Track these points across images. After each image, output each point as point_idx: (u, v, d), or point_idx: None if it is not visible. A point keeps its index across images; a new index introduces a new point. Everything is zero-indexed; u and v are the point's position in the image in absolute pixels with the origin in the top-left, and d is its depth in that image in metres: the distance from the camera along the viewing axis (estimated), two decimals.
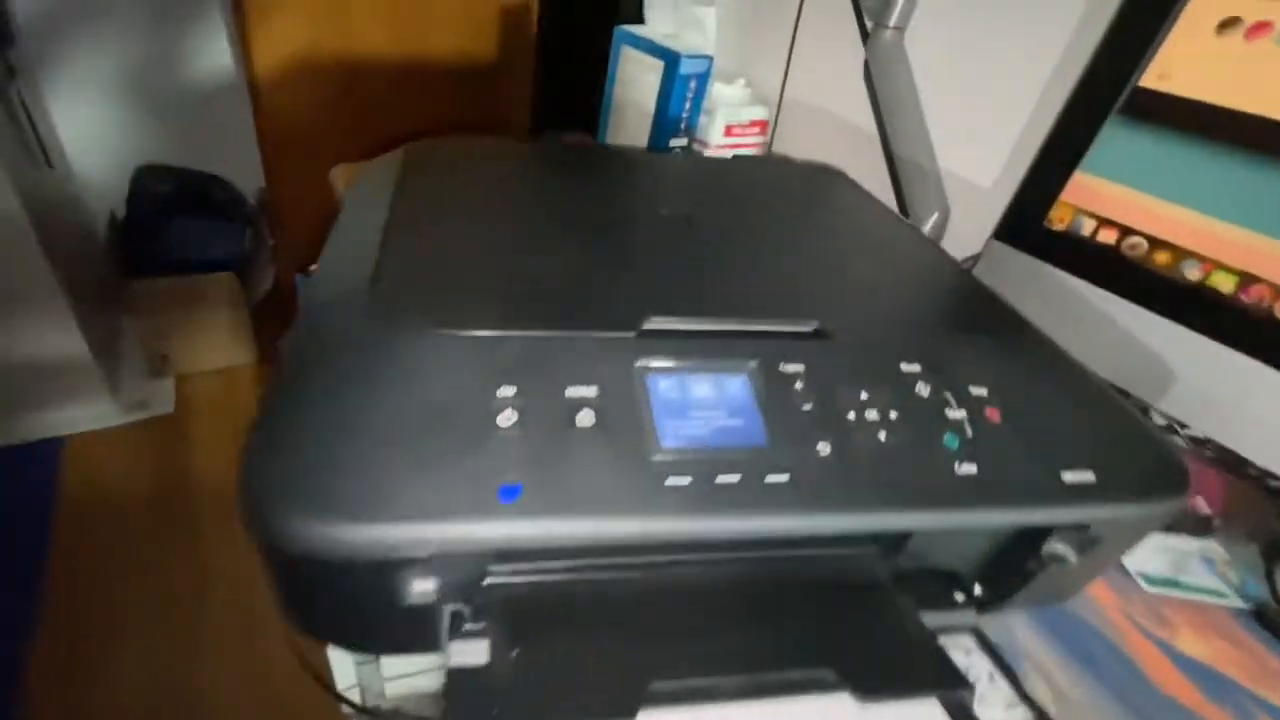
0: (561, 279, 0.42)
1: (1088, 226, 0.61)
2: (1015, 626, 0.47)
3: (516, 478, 0.32)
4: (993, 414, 0.41)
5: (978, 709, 0.37)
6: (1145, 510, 0.39)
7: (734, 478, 0.35)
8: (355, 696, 0.52)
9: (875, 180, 0.77)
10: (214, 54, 1.72)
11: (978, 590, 0.43)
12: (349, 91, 1.52)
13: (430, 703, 0.51)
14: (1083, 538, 0.39)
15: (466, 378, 0.35)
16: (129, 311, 1.32)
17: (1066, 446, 0.40)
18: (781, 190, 0.64)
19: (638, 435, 0.35)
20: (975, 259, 0.72)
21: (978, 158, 0.78)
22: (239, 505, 0.30)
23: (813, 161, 0.81)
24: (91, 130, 1.53)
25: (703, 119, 0.93)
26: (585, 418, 0.35)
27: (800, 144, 1.01)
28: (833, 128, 0.95)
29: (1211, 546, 0.55)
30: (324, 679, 0.46)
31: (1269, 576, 0.52)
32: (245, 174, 1.68)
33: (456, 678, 0.32)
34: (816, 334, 0.42)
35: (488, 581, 0.35)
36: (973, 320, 0.48)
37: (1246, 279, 0.53)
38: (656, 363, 0.38)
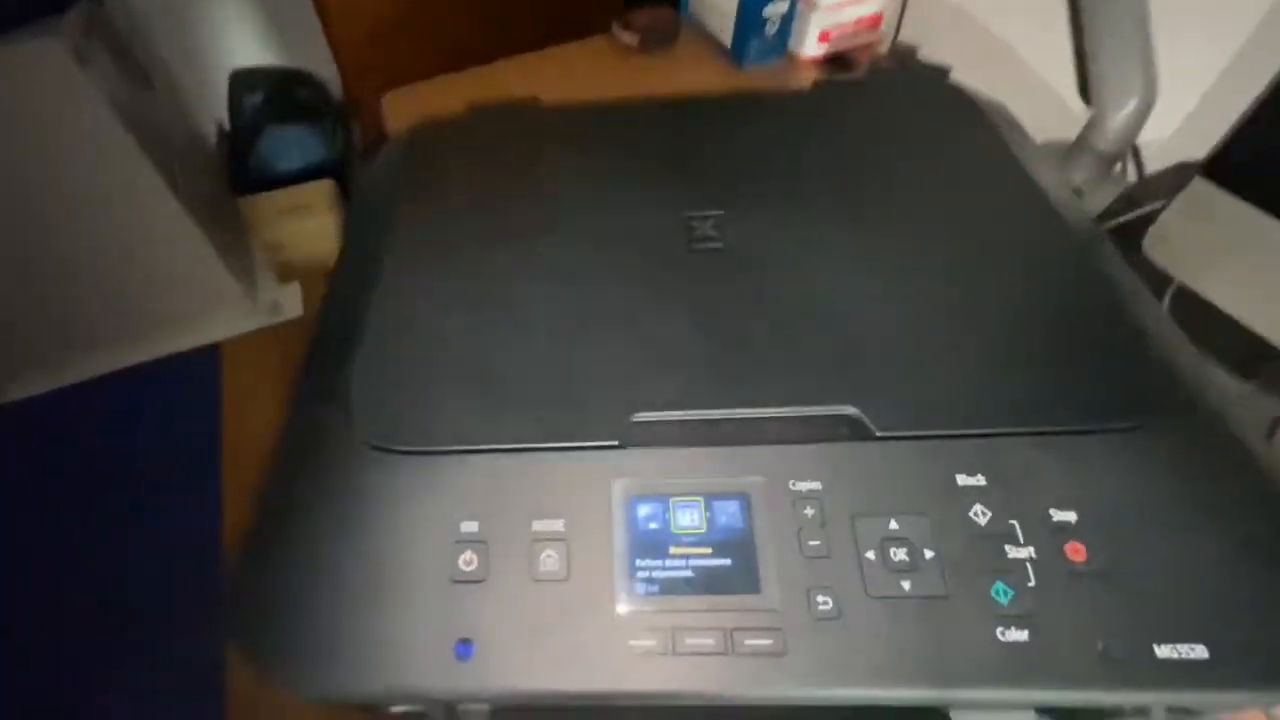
0: (547, 357, 0.38)
1: None
2: None
3: (472, 634, 0.31)
4: (1075, 551, 0.32)
5: None
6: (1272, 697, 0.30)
7: (707, 640, 0.31)
8: None
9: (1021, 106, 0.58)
10: None
11: None
12: None
13: None
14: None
15: (431, 511, 0.34)
16: (248, 226, 1.47)
17: (1177, 600, 0.31)
18: (863, 151, 0.51)
19: (604, 582, 0.32)
20: (1152, 215, 0.54)
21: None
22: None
23: (927, 74, 0.63)
24: (185, 40, 1.59)
25: (796, 22, 0.76)
26: (549, 560, 0.32)
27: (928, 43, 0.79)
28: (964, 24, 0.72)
29: None
30: None
31: None
32: (330, 65, 1.69)
33: None
34: (850, 425, 0.35)
35: (463, 707, 0.36)
36: (1099, 381, 0.36)
37: None
38: (638, 482, 0.34)
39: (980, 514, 0.33)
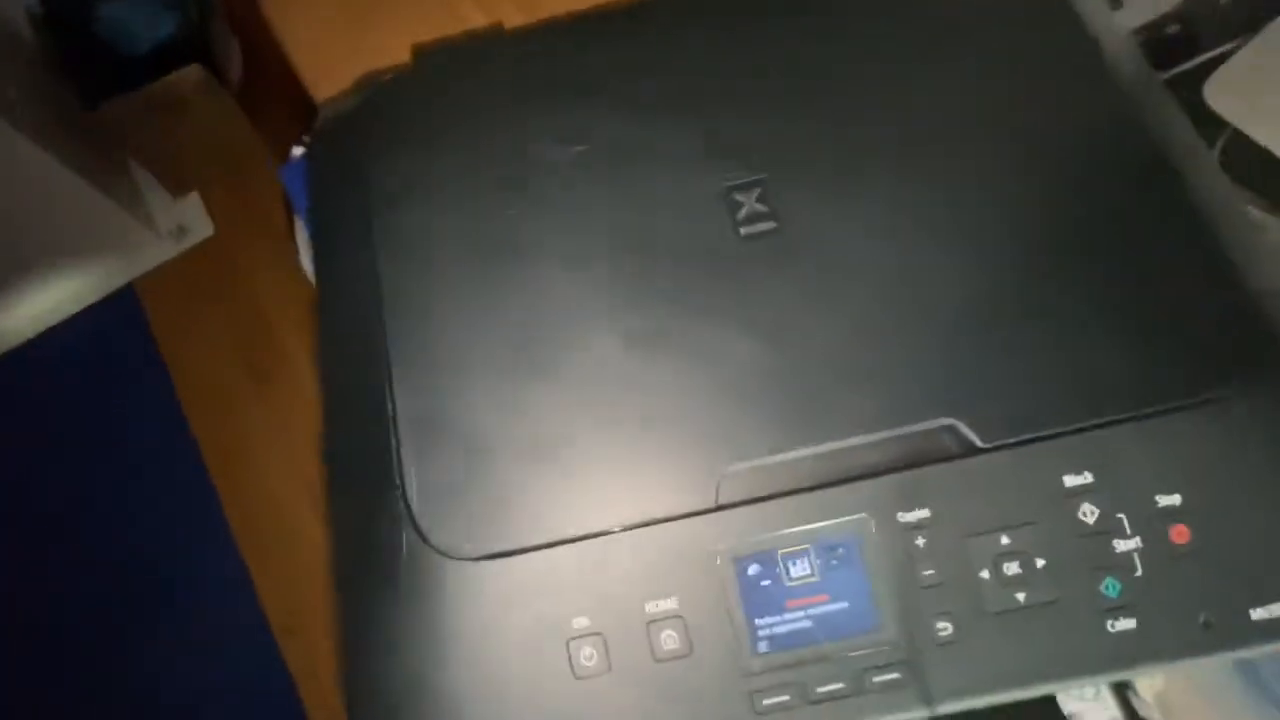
0: (614, 416, 0.34)
1: None
2: None
3: None
4: (1179, 534, 0.33)
5: None
6: None
7: (838, 684, 0.32)
8: None
9: None
10: None
11: None
12: None
13: None
14: None
15: (538, 613, 0.32)
16: (117, 142, 1.21)
17: (1272, 564, 0.32)
18: (946, 78, 0.40)
19: (729, 647, 0.32)
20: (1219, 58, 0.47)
21: None
22: None
23: None
24: None
25: None
26: (669, 640, 0.32)
27: None
28: None
29: None
30: None
31: None
32: None
33: None
34: (951, 440, 0.33)
35: None
36: (1192, 347, 0.34)
37: None
38: (742, 542, 0.33)
39: (1088, 513, 0.33)
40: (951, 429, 0.34)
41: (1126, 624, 0.32)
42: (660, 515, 0.33)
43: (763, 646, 0.33)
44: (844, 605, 0.33)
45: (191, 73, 1.28)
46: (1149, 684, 0.42)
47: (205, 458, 0.59)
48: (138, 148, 1.23)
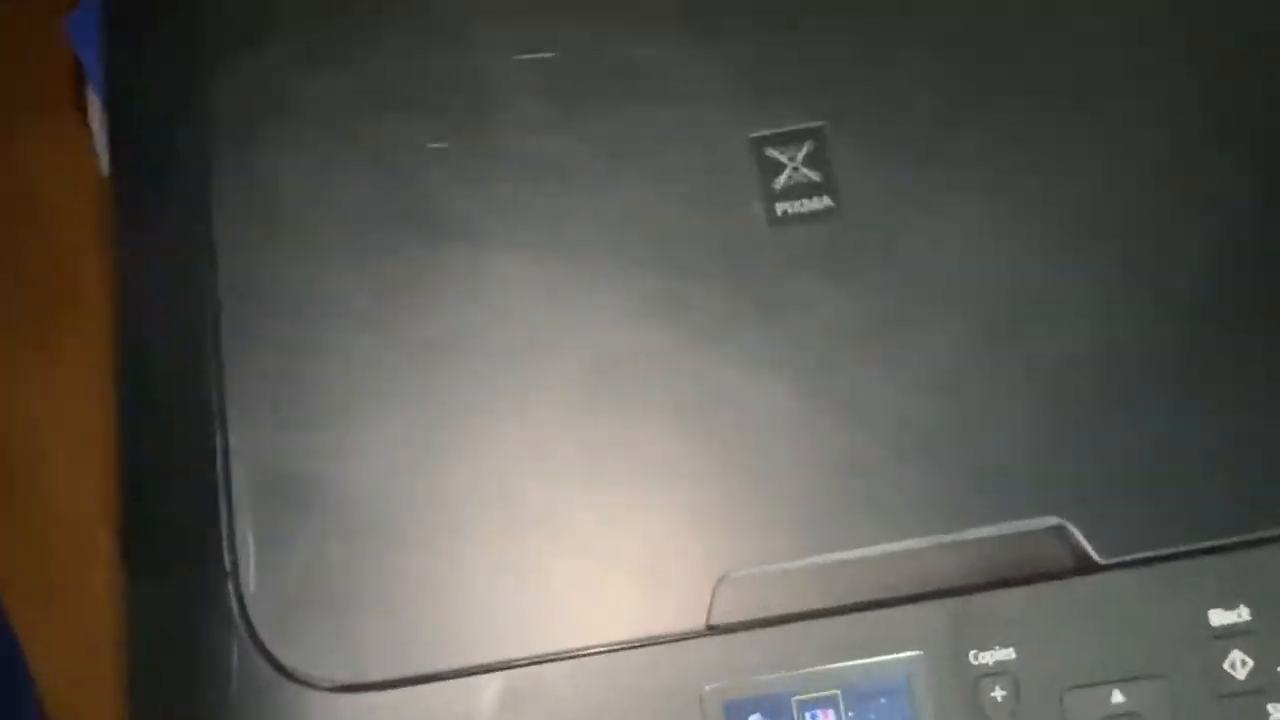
0: (560, 474, 0.23)
1: None
2: None
3: None
4: None
5: None
6: None
7: None
8: None
9: None
10: None
11: None
12: None
13: None
14: None
15: None
16: None
17: None
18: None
19: None
20: None
21: None
22: None
23: None
24: None
25: None
26: None
27: None
28: None
29: None
30: None
31: None
32: None
33: None
34: (1056, 549, 0.23)
35: None
36: None
37: None
38: (740, 682, 0.22)
39: (1239, 664, 0.23)
40: (1059, 533, 0.23)
41: None
42: (622, 638, 0.22)
43: None
44: None
45: None
46: None
47: None
48: None
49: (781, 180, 0.25)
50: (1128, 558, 0.23)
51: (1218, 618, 0.23)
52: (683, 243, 0.25)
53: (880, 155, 0.26)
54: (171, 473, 0.24)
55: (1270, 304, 0.25)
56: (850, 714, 0.23)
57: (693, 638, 0.22)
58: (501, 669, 0.22)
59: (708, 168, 0.26)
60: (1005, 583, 0.23)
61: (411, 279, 0.25)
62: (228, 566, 0.23)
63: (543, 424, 0.24)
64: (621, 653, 0.22)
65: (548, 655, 0.22)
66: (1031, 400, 0.24)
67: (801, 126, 0.26)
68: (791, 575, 0.23)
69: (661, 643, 0.22)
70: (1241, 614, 0.23)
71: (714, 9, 0.27)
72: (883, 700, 0.23)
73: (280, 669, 0.22)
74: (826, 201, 0.25)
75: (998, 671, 0.23)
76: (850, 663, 0.23)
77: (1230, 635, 0.23)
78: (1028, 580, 0.23)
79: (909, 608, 0.23)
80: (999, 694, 0.23)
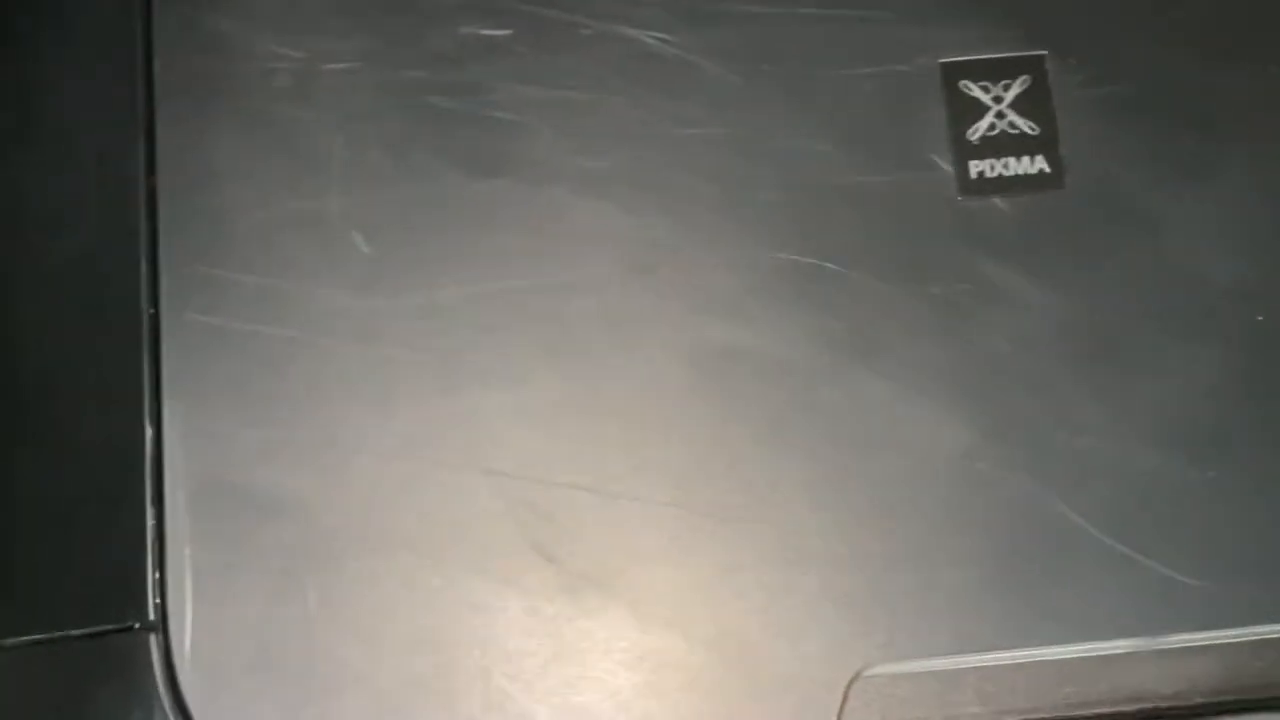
0: (607, 536, 0.16)
1: None
2: None
3: None
4: None
5: None
6: None
7: None
8: None
9: None
10: None
11: None
12: None
13: None
14: None
15: None
16: None
17: None
18: None
19: None
20: None
21: None
22: None
23: None
24: None
25: None
26: None
27: None
28: None
29: None
30: None
31: None
32: None
33: None
34: None
35: None
36: None
37: None
38: None
39: None
40: None
41: None
42: None
43: None
44: None
45: None
46: None
47: None
48: None
49: (980, 129, 0.18)
50: None
51: None
52: (830, 215, 0.17)
53: (1123, 102, 0.18)
54: (67, 503, 0.17)
55: None
56: None
57: None
58: None
59: (872, 103, 0.18)
60: (1244, 707, 0.18)
61: (422, 256, 0.18)
62: (150, 614, 0.16)
63: (608, 467, 0.16)
64: None
65: None
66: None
67: (1014, 54, 0.18)
68: (954, 678, 0.18)
69: None
70: None
71: None
72: None
73: None
74: (1042, 164, 0.18)
75: None
76: None
77: None
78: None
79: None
80: None
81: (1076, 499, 0.17)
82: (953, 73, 0.18)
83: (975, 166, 0.18)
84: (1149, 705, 0.17)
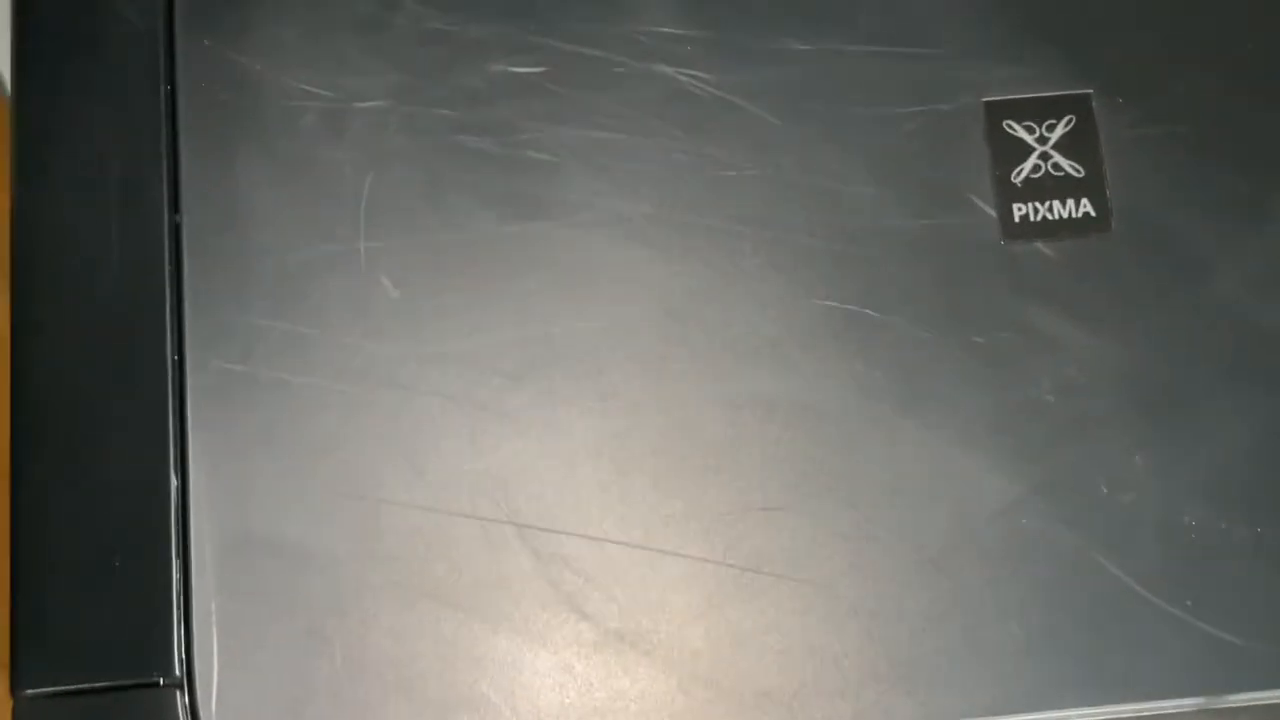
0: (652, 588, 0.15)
1: None
2: None
3: None
4: None
5: None
6: None
7: None
8: None
9: None
10: None
11: None
12: None
13: None
14: None
15: None
16: None
17: None
18: None
19: None
20: None
21: None
22: None
23: None
24: None
25: None
26: None
27: None
28: None
29: None
30: None
31: None
32: None
33: None
34: None
35: None
36: None
37: None
38: None
39: None
40: None
41: None
42: None
43: None
44: None
45: None
46: None
47: None
48: None
49: (1024, 170, 0.17)
50: None
51: None
52: (870, 259, 0.17)
53: (1171, 143, 0.18)
54: (95, 552, 0.16)
55: None
56: None
57: None
58: None
59: (914, 144, 0.18)
60: None
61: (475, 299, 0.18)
62: (176, 671, 0.16)
63: (643, 519, 0.16)
64: None
65: None
66: None
67: (1059, 93, 0.18)
68: None
69: None
70: None
71: None
72: None
73: None
74: (1087, 207, 0.17)
75: None
76: None
77: None
78: None
79: None
80: None
81: (1122, 556, 0.17)
82: (996, 112, 0.18)
83: (1019, 209, 0.17)
84: None
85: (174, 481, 0.16)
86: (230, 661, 0.16)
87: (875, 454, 0.17)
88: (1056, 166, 0.18)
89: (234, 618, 0.16)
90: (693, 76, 0.18)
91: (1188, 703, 0.17)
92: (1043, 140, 0.18)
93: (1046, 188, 0.17)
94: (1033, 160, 0.18)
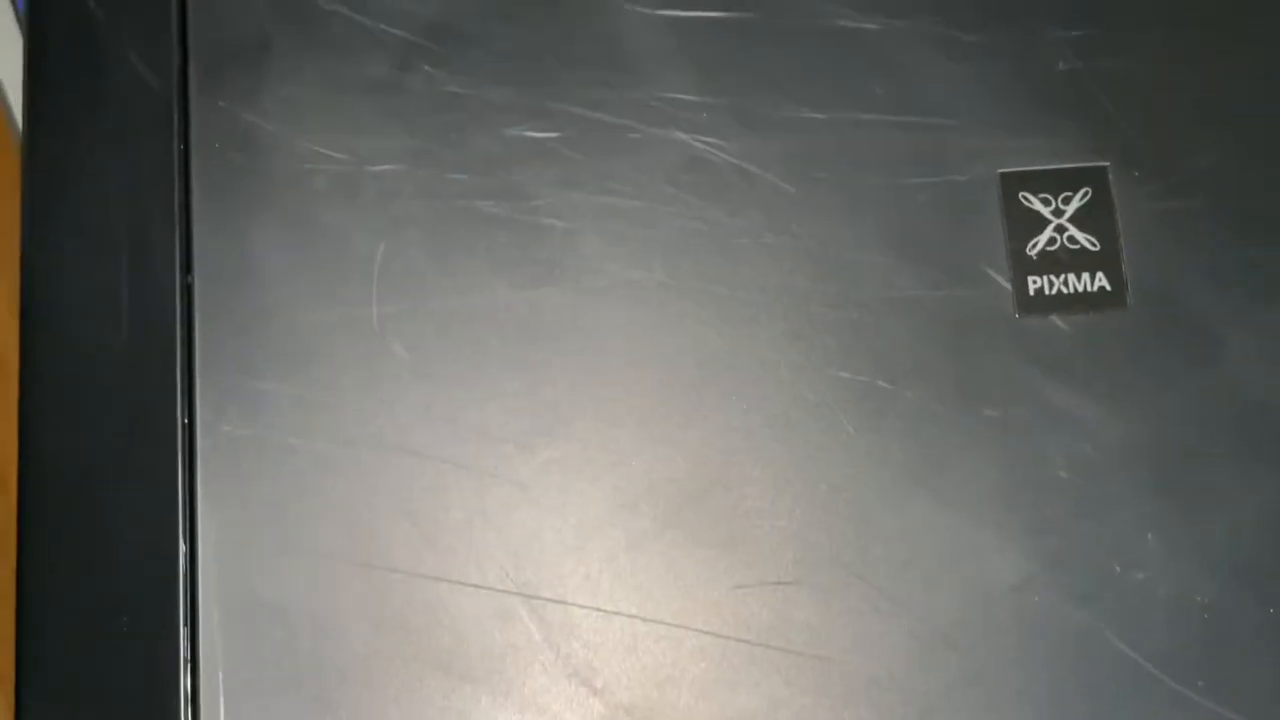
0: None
1: None
2: None
3: None
4: None
5: None
6: None
7: None
8: None
9: None
10: None
11: None
12: None
13: None
14: None
15: None
16: None
17: None
18: None
19: None
20: None
21: None
22: None
23: None
24: None
25: None
26: None
27: None
28: None
29: None
30: None
31: None
32: None
33: None
34: None
35: None
36: None
37: None
38: None
39: None
40: None
41: None
42: None
43: None
44: None
45: None
46: None
47: None
48: None
49: (1040, 243, 0.17)
50: None
51: None
52: (882, 330, 0.17)
53: (1189, 217, 0.18)
54: (101, 610, 0.16)
55: None
56: None
57: None
58: None
59: (928, 214, 0.18)
60: None
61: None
62: None
63: (652, 592, 0.16)
64: None
65: None
66: None
67: (1076, 165, 0.18)
68: None
69: None
70: None
71: None
72: None
73: None
74: (1103, 281, 0.17)
75: None
76: None
77: None
78: None
79: None
80: None
81: (1134, 635, 0.17)
82: (1012, 183, 0.18)
83: (1034, 283, 0.17)
84: None
85: (182, 548, 0.16)
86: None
87: (887, 527, 0.17)
88: (1072, 239, 0.18)
89: (241, 685, 0.16)
90: (708, 144, 0.18)
91: None
92: (1059, 213, 0.18)
93: (1062, 261, 0.18)
94: (1048, 233, 0.18)
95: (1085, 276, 0.17)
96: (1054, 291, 0.17)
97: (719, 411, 0.17)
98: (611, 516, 0.17)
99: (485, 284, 0.17)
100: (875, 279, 0.18)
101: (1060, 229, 0.18)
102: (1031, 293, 0.17)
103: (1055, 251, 0.18)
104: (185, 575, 0.16)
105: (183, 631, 0.16)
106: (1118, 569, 0.17)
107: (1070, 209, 0.18)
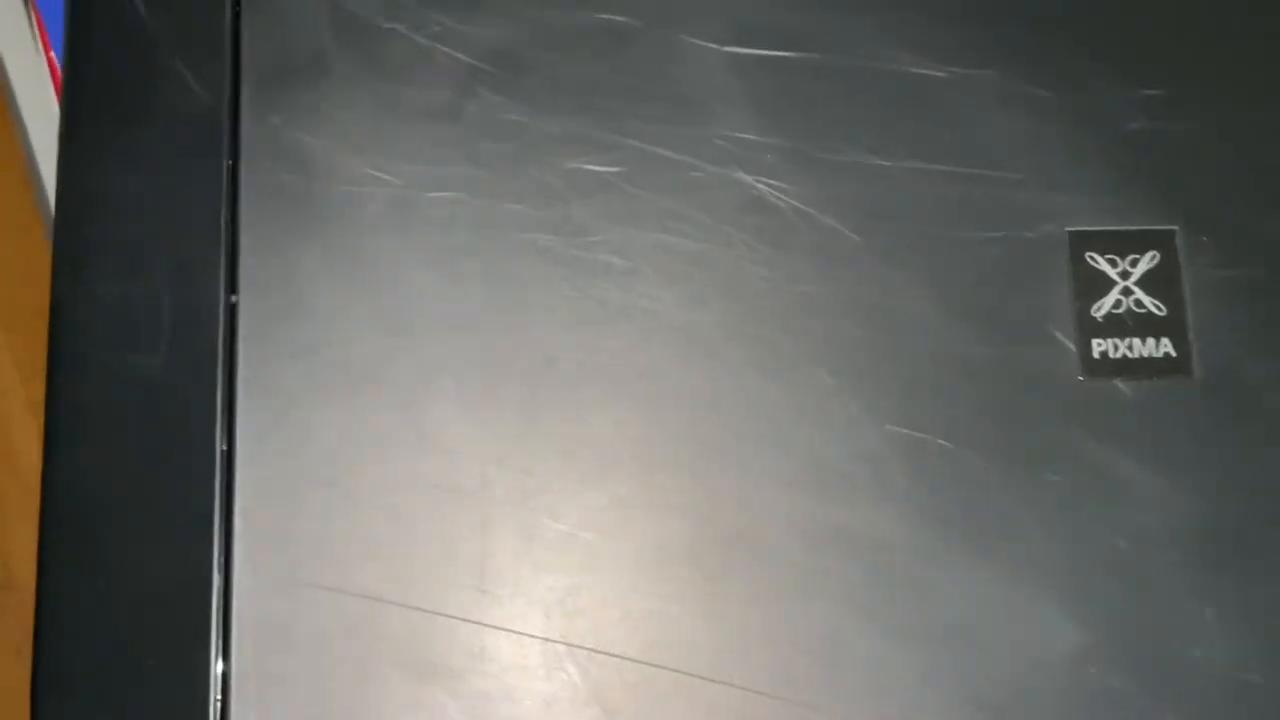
0: None
1: None
2: None
3: None
4: None
5: None
6: None
7: None
8: None
9: None
10: None
11: None
12: None
13: None
14: None
15: None
16: None
17: None
18: None
19: None
20: None
21: None
22: None
23: None
24: None
25: None
26: None
27: None
28: None
29: None
30: None
31: None
32: None
33: None
34: None
35: None
36: None
37: None
38: None
39: None
40: None
41: None
42: None
43: None
44: None
45: None
46: None
47: None
48: None
49: (1105, 305, 0.17)
50: None
51: None
52: (942, 387, 0.17)
53: (1257, 286, 0.17)
54: (135, 638, 0.16)
55: None
56: None
57: None
58: None
59: (993, 270, 0.17)
60: None
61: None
62: None
63: (697, 648, 0.16)
64: None
65: None
66: None
67: (1144, 228, 0.18)
68: None
69: None
70: None
71: (1031, 38, 0.18)
72: None
73: None
74: (1168, 347, 0.17)
75: None
76: None
77: None
78: None
79: None
80: None
81: (1189, 711, 0.16)
82: (1080, 243, 0.17)
83: (1098, 345, 0.17)
84: None
85: (216, 579, 0.16)
86: None
87: (940, 590, 0.16)
88: (1139, 303, 0.17)
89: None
90: (770, 185, 0.18)
91: None
92: (1125, 275, 0.17)
93: (1128, 325, 0.17)
94: (1114, 295, 0.17)
95: (1150, 341, 0.17)
96: (1119, 355, 0.17)
97: (770, 460, 0.17)
98: (659, 566, 0.17)
99: (539, 321, 0.17)
100: (937, 333, 0.17)
101: (1126, 291, 0.17)
102: (1096, 355, 0.17)
103: (1121, 315, 0.17)
104: (218, 608, 0.16)
105: (214, 667, 0.16)
106: (1175, 644, 0.16)
107: (1137, 272, 0.18)
